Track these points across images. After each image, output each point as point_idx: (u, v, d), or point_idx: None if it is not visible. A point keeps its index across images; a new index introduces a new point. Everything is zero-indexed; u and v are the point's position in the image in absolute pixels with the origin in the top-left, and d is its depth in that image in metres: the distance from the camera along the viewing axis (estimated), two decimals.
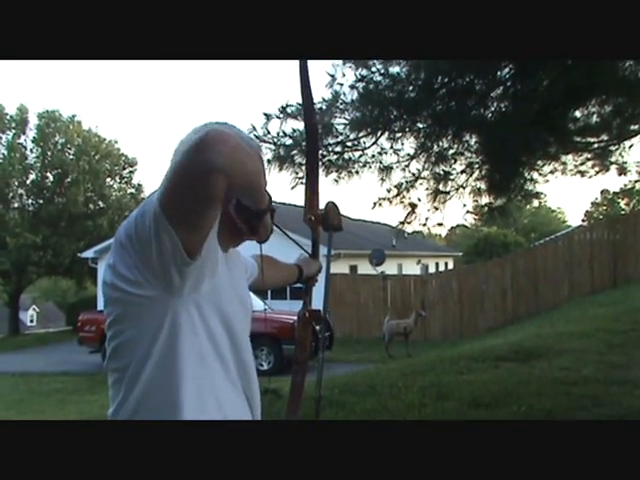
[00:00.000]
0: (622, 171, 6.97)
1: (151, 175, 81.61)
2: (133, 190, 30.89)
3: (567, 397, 5.45)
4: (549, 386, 5.91)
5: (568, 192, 43.37)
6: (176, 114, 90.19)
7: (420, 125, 5.45)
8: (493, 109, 5.27)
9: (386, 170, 5.88)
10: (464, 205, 6.55)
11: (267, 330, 13.23)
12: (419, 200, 6.34)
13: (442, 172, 6.08)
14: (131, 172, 30.73)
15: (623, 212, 36.97)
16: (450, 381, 6.55)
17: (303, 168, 5.39)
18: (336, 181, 5.65)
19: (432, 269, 28.13)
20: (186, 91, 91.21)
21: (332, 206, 2.20)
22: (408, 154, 5.84)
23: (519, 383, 6.10)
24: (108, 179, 29.70)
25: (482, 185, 6.28)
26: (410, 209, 6.39)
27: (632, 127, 6.14)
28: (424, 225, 6.55)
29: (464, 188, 6.31)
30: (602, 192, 53.32)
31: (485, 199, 6.47)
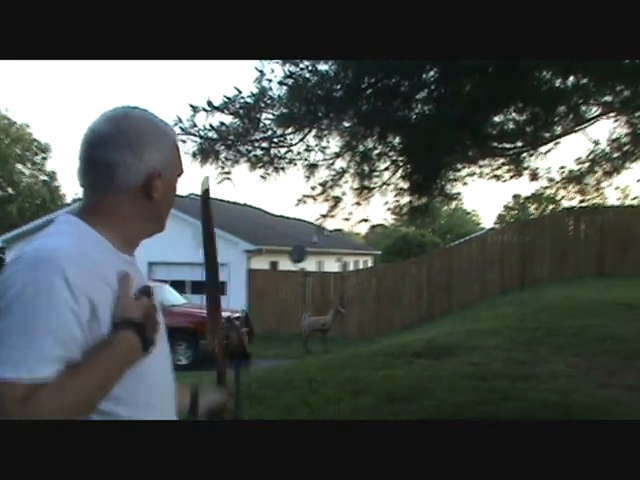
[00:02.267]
0: (534, 177, 7.27)
1: (66, 162, 78.25)
2: (46, 177, 29.83)
3: (476, 392, 5.66)
4: (460, 381, 6.10)
5: (483, 195, 45.08)
6: (94, 100, 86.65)
7: (346, 124, 5.50)
8: (417, 111, 5.38)
9: (312, 167, 5.90)
10: (386, 203, 6.67)
11: (186, 325, 13.11)
12: (343, 194, 6.41)
13: (367, 169, 6.16)
14: (44, 158, 29.62)
15: (532, 216, 38.70)
16: (366, 376, 6.63)
17: (229, 163, 5.34)
18: (263, 177, 5.62)
19: (351, 267, 28.48)
20: (106, 76, 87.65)
21: (235, 334, 2.13)
22: (334, 152, 5.89)
23: (432, 378, 6.27)
24: (18, 165, 28.46)
25: (404, 184, 6.41)
26: (333, 203, 6.44)
27: (545, 134, 6.41)
28: (347, 220, 6.61)
29: (387, 185, 6.41)
30: (514, 197, 55.66)
31: (406, 198, 6.61)
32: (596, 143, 7.04)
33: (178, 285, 17.44)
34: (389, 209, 6.85)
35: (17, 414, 1.08)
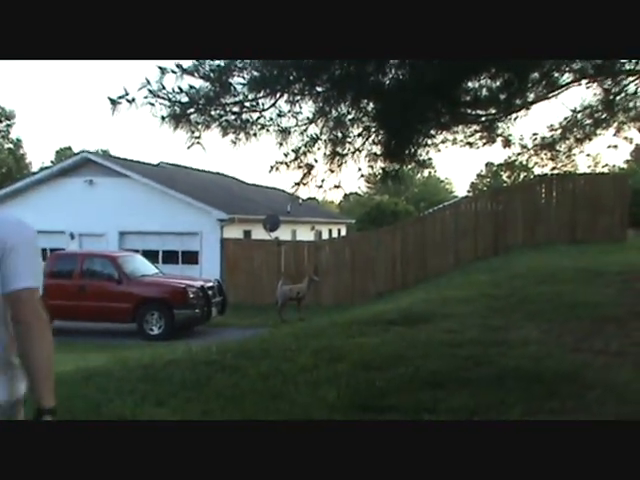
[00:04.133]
0: (507, 144, 7.30)
1: (31, 130, 76.67)
2: (11, 145, 29.41)
3: (452, 358, 5.70)
4: (435, 348, 6.11)
5: (456, 163, 45.31)
6: (61, 64, 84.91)
7: (319, 89, 5.41)
8: (391, 76, 5.31)
9: (284, 133, 5.82)
10: (359, 169, 6.64)
11: (159, 295, 13.06)
12: (316, 161, 6.38)
13: (340, 135, 6.09)
14: (8, 125, 29.10)
15: (505, 184, 39.04)
16: (342, 344, 6.64)
17: (200, 127, 5.23)
18: (234, 142, 5.52)
19: (325, 236, 28.52)
20: None
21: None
22: (307, 117, 5.80)
23: (408, 346, 6.29)
24: None
25: (377, 150, 6.37)
26: (307, 170, 6.40)
27: (517, 101, 6.37)
28: (320, 187, 6.56)
29: (360, 152, 6.36)
30: (487, 164, 56.11)
31: (380, 164, 6.58)
32: (573, 111, 7.05)
33: (150, 255, 17.29)
34: (362, 176, 6.82)
35: (42, 308, 1.88)
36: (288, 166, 6.29)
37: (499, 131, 6.98)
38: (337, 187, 6.66)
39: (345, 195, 52.78)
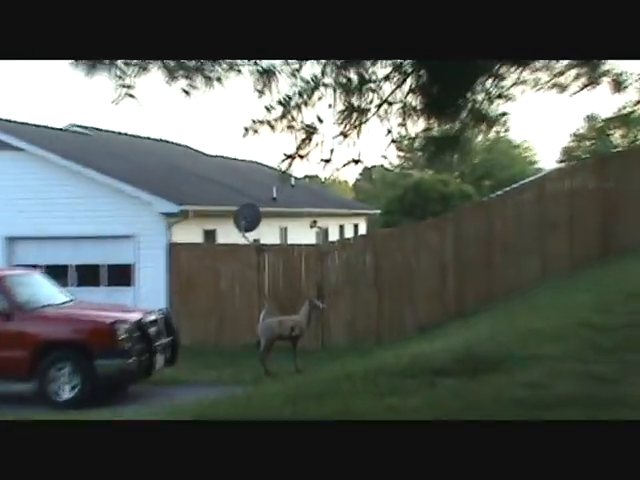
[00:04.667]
0: (617, 87, 7.12)
1: None
2: None
3: None
4: (508, 411, 6.04)
5: (539, 119, 45.23)
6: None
7: None
8: None
9: (267, 75, 5.86)
10: (388, 132, 6.65)
11: (69, 336, 13.01)
12: (320, 121, 6.44)
13: (356, 78, 6.16)
14: None
15: (617, 148, 38.97)
16: (364, 410, 6.56)
17: (130, 70, 5.24)
18: (186, 92, 5.61)
19: (335, 235, 28.76)
20: None
21: None
22: None
23: (465, 409, 6.27)
24: None
25: (416, 101, 6.42)
26: (305, 134, 6.46)
27: None
28: (327, 162, 6.63)
29: (389, 105, 6.41)
30: (588, 118, 56.07)
31: (420, 124, 6.61)
32: None
33: (56, 272, 17.33)
34: (393, 142, 6.83)
35: None
36: (273, 127, 6.34)
37: (605, 67, 6.97)
38: (355, 161, 6.75)
39: (365, 170, 52.81)
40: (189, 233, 19.03)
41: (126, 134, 27.67)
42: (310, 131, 6.48)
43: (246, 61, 5.66)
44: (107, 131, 26.91)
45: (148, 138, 29.88)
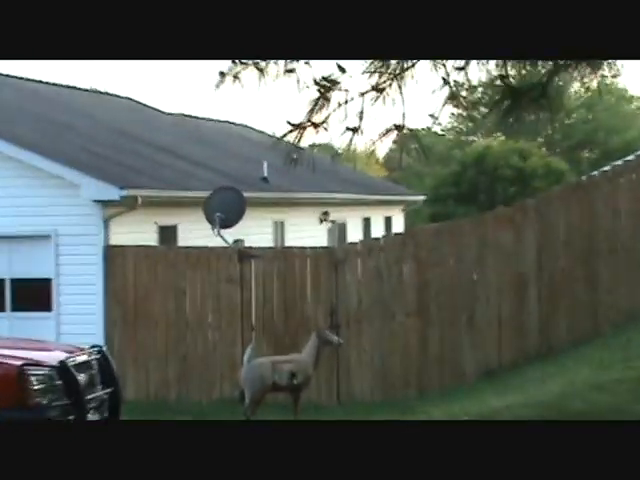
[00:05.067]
0: None
1: None
2: None
3: None
4: None
5: None
6: None
7: None
8: None
9: None
10: (444, 82, 6.94)
11: None
12: (342, 71, 6.66)
13: None
14: None
15: None
16: None
17: None
18: None
19: (355, 233, 28.83)
20: None
21: None
22: None
23: None
24: None
25: None
26: (320, 93, 6.71)
27: None
28: (355, 131, 6.90)
29: None
30: None
31: (491, 66, 6.98)
32: None
33: None
34: (451, 96, 7.12)
35: None
36: (262, 71, 6.61)
37: None
38: (398, 128, 7.02)
39: (402, 137, 52.96)
40: (137, 231, 18.98)
41: (41, 81, 27.58)
42: (327, 86, 6.73)
43: None
44: (12, 76, 26.85)
45: (75, 88, 30.08)
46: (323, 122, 7.02)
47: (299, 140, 7.21)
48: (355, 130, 7.03)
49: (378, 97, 6.92)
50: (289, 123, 7.02)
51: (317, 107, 6.92)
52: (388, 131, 7.09)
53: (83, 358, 13.42)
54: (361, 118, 6.97)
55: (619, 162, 19.52)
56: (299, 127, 7.01)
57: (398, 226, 32.51)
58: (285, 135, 7.20)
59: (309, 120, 6.99)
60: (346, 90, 6.89)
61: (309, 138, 7.35)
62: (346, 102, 6.90)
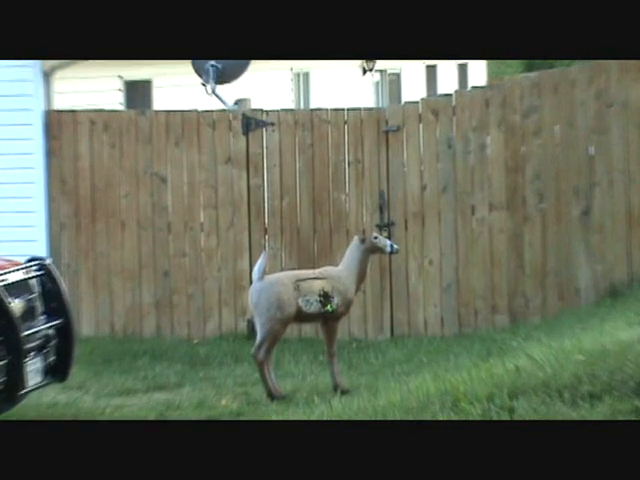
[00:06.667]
0: None
1: None
2: None
3: None
4: None
5: None
6: None
7: None
8: None
9: None
10: None
11: None
12: None
13: None
14: None
15: None
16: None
17: None
18: None
19: (414, 88, 28.83)
20: None
21: None
22: None
23: None
24: None
25: None
26: None
27: None
28: None
29: None
30: None
31: None
32: None
33: None
34: None
35: None
36: None
37: None
38: None
39: None
40: (93, 89, 19.26)
41: None
42: None
43: None
44: None
45: None
46: None
47: None
48: None
49: None
50: None
51: None
52: None
53: (16, 277, 13.76)
54: None
55: None
56: None
57: (478, 77, 32.43)
58: None
59: None
60: None
61: None
62: None
